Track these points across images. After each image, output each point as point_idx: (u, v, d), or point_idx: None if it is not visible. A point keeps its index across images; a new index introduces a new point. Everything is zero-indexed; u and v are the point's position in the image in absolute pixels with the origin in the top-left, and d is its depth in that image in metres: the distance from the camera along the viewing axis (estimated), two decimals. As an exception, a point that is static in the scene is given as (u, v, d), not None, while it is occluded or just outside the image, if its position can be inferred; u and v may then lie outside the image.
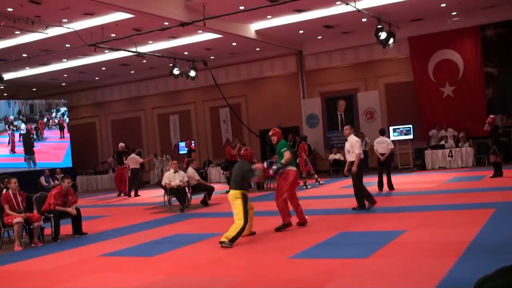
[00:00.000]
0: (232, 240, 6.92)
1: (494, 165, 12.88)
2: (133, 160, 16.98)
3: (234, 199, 7.32)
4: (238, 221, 7.10)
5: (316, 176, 15.49)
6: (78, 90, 25.91)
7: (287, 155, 7.84)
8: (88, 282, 5.72)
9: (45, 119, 23.76)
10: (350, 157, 9.43)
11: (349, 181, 12.91)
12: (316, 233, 7.29)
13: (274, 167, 7.86)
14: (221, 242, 6.92)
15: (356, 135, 10.08)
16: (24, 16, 13.28)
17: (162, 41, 17.92)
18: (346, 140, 9.68)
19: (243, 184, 7.52)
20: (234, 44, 18.82)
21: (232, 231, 6.98)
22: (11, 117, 22.81)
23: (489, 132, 13.18)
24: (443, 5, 16.06)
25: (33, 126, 23.28)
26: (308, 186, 14.61)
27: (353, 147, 9.30)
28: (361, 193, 9.27)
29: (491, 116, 13.40)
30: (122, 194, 17.26)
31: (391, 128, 18.13)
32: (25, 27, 13.49)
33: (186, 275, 5.65)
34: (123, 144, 17.81)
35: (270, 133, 8.24)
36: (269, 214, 9.78)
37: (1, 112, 22.68)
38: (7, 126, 22.59)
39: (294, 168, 8.06)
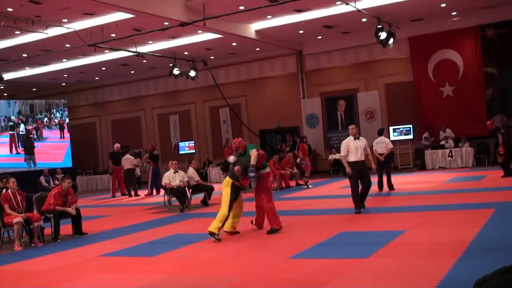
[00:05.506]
0: None
1: (502, 165, 12.86)
2: (127, 161, 16.95)
3: None
4: None
5: (307, 179, 14.95)
6: (78, 90, 25.91)
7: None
8: (88, 282, 5.72)
9: (45, 119, 23.74)
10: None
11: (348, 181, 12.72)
12: (316, 233, 7.28)
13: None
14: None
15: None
16: (24, 16, 13.27)
17: (162, 41, 17.91)
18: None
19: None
20: (234, 44, 18.81)
21: None
22: (13, 117, 22.79)
23: (489, 134, 13.14)
24: (443, 5, 16.06)
25: (33, 126, 23.27)
26: (310, 186, 14.61)
27: None
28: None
29: (488, 121, 13.43)
30: (119, 194, 17.25)
31: (391, 128, 18.08)
32: (25, 27, 13.48)
33: (186, 275, 5.65)
34: (119, 145, 17.78)
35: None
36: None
37: (1, 112, 22.67)
38: (9, 127, 22.57)
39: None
